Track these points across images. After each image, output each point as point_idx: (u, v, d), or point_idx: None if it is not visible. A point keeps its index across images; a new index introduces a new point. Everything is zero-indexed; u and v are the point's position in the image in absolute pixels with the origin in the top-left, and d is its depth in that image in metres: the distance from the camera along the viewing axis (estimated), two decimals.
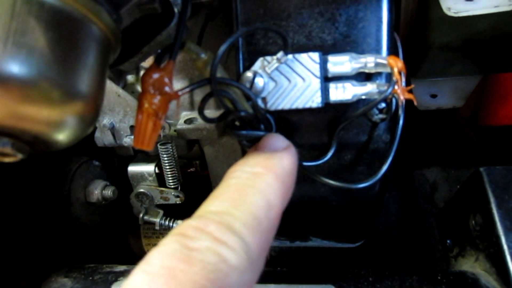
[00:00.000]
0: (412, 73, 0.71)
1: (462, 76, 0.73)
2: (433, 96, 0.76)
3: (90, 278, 0.61)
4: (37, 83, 0.26)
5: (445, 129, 0.97)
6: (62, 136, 0.30)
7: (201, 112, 0.40)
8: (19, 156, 0.29)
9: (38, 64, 0.26)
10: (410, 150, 0.88)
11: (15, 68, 0.25)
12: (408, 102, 0.45)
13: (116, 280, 0.59)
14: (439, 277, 0.51)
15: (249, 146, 0.45)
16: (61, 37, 0.28)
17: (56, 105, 0.28)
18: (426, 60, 0.65)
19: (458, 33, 0.58)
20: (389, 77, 0.44)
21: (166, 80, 0.35)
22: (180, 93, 0.35)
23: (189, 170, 0.85)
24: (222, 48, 0.37)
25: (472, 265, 0.53)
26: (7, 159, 0.30)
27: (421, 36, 0.61)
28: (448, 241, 0.61)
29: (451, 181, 0.82)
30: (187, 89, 0.36)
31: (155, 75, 0.35)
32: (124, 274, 0.60)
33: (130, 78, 0.71)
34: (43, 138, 0.29)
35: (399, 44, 0.49)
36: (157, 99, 0.34)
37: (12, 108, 0.26)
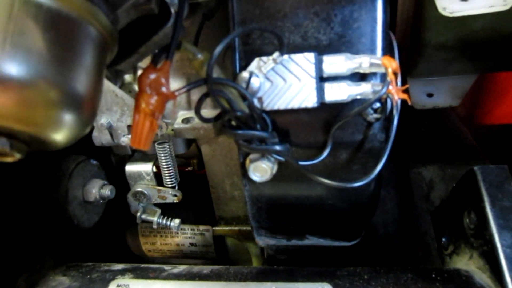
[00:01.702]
0: (408, 72, 0.71)
1: (459, 75, 0.73)
2: (430, 95, 0.76)
3: (88, 276, 0.61)
4: (35, 84, 0.27)
5: (442, 127, 0.97)
6: (59, 136, 0.31)
7: (197, 112, 0.41)
8: (17, 156, 0.30)
9: (36, 65, 0.26)
10: (407, 148, 0.88)
11: (13, 69, 0.25)
12: (404, 101, 0.45)
13: (113, 279, 0.59)
14: (433, 275, 0.52)
15: (246, 145, 0.45)
16: (59, 38, 0.28)
17: (53, 106, 0.28)
18: (422, 59, 0.65)
19: (453, 33, 0.58)
20: (383, 77, 0.45)
21: (163, 80, 0.35)
22: (176, 93, 0.36)
23: (186, 169, 0.85)
24: (218, 48, 0.37)
25: (467, 262, 0.54)
26: (5, 159, 0.30)
27: (417, 36, 0.61)
28: (443, 239, 0.61)
29: (448, 180, 0.83)
30: (184, 89, 0.37)
31: (152, 76, 0.35)
32: (122, 272, 0.61)
33: (127, 77, 0.71)
34: (41, 138, 0.30)
35: (394, 43, 0.49)
36: (154, 99, 0.35)
37: (10, 109, 0.26)
